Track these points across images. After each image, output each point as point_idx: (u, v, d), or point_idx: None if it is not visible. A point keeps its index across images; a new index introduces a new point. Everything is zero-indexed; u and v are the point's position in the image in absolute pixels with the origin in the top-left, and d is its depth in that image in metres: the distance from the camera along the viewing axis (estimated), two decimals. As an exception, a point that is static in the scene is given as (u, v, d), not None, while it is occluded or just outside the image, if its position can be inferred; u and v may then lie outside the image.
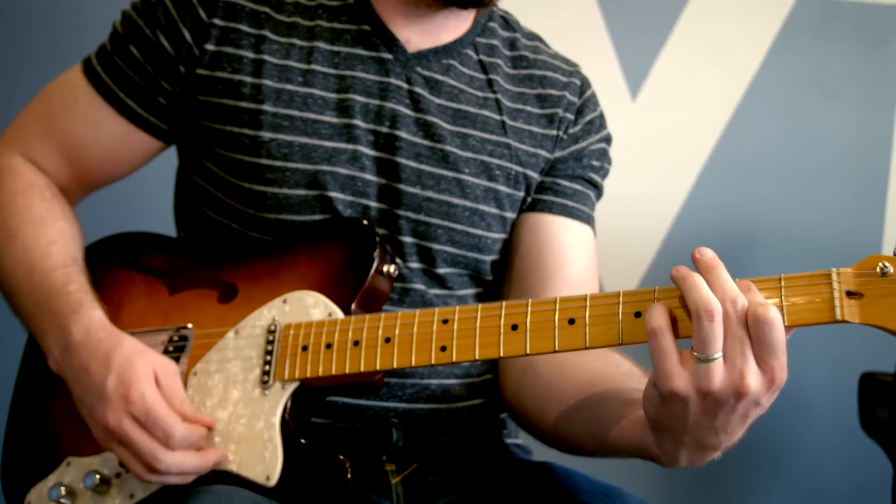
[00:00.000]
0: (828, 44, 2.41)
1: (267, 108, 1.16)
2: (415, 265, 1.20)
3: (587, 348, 0.93)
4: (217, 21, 1.18)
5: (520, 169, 1.24)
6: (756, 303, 0.84)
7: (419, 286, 1.20)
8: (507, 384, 1.24)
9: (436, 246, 1.20)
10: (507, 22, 1.33)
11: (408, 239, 1.19)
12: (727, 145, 2.40)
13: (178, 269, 1.20)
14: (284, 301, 1.09)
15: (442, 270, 1.21)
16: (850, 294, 0.86)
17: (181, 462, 1.02)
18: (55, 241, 1.17)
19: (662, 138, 2.38)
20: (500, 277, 1.29)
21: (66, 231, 1.20)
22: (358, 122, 1.17)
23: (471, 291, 1.26)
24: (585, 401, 1.08)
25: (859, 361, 2.07)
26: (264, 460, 1.03)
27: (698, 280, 0.85)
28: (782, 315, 0.85)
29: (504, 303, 0.98)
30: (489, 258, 1.24)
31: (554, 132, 1.27)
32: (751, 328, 0.83)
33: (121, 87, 1.22)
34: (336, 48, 1.20)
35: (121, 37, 1.22)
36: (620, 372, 1.10)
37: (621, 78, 2.35)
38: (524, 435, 1.35)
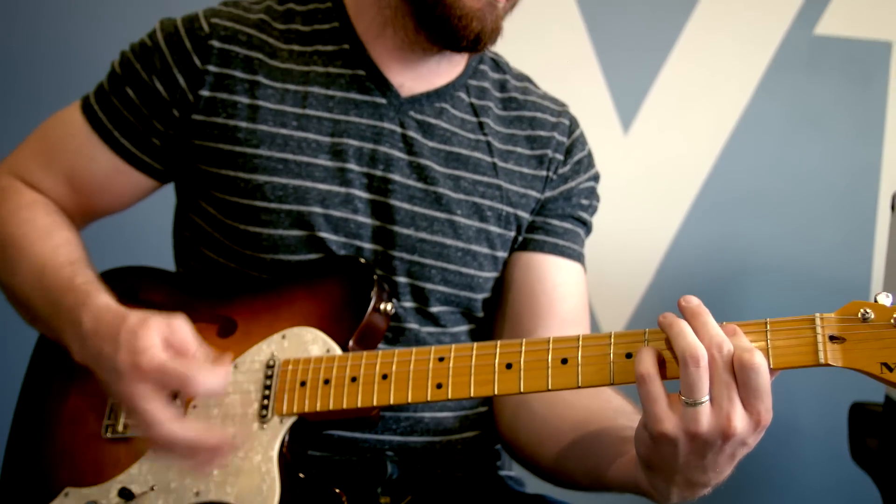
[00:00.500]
0: (815, 79, 2.43)
1: (262, 151, 1.18)
2: (408, 304, 1.22)
3: (579, 388, 0.95)
4: (211, 67, 1.20)
5: (510, 209, 1.26)
6: (742, 348, 0.86)
7: (413, 325, 1.22)
8: (502, 420, 1.26)
9: (429, 286, 1.22)
10: (498, 64, 1.35)
11: (402, 279, 1.21)
12: (718, 178, 2.41)
13: (177, 304, 1.20)
14: (283, 337, 1.11)
15: (435, 309, 1.23)
16: (832, 338, 0.89)
17: (183, 427, 0.99)
18: (61, 245, 1.19)
19: (654, 171, 2.39)
20: (492, 314, 1.31)
21: (70, 238, 1.22)
22: (352, 165, 1.19)
23: (463, 328, 1.28)
24: (579, 439, 1.11)
25: (849, 391, 2.07)
26: (262, 493, 1.04)
27: (684, 327, 0.88)
28: (767, 358, 0.88)
29: (499, 342, 1.00)
30: (481, 296, 1.26)
31: (544, 173, 1.29)
32: (737, 373, 0.86)
33: (116, 127, 1.24)
34: (331, 92, 1.21)
35: (118, 77, 1.24)
36: (612, 408, 1.12)
37: (613, 112, 2.36)
38: (518, 467, 1.36)
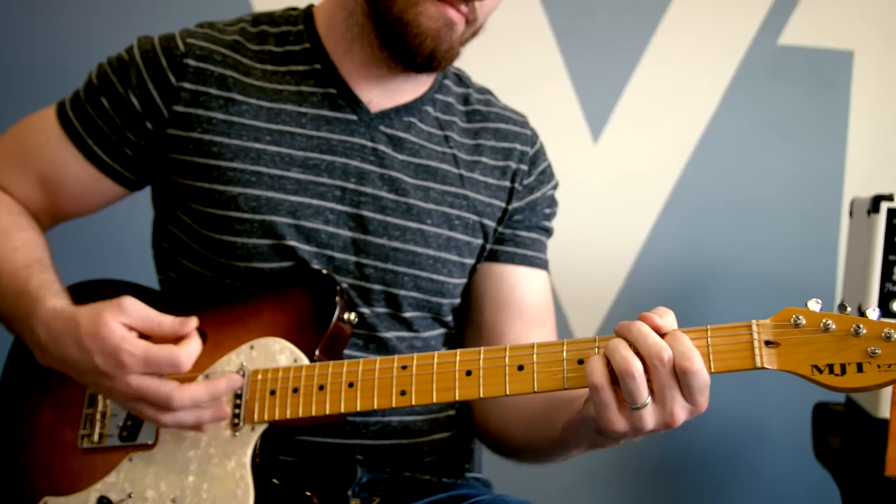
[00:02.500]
0: (780, 87, 2.45)
1: (236, 164, 1.21)
2: (382, 310, 1.25)
3: (535, 392, 0.99)
4: (186, 84, 1.23)
5: (476, 218, 1.30)
6: (682, 354, 0.91)
7: (384, 334, 1.25)
8: (474, 411, 1.32)
9: (402, 292, 1.25)
10: (460, 78, 1.39)
11: (376, 286, 1.24)
12: (686, 185, 2.43)
13: None
14: (252, 347, 1.13)
15: (408, 314, 1.27)
16: (768, 343, 0.93)
17: (193, 394, 1.04)
18: (19, 248, 1.20)
19: (623, 179, 2.41)
20: (461, 320, 1.35)
21: (31, 239, 1.23)
22: (324, 179, 1.22)
23: (434, 333, 1.31)
24: (538, 413, 1.18)
25: (814, 392, 2.10)
26: (237, 498, 1.07)
27: (619, 343, 0.94)
28: (708, 363, 0.93)
29: (459, 350, 1.04)
30: (449, 302, 1.30)
31: (508, 184, 1.33)
32: (679, 377, 0.91)
33: (90, 135, 1.26)
34: (303, 110, 1.25)
35: (94, 88, 1.27)
36: None
37: (583, 122, 2.38)
38: (486, 469, 1.40)
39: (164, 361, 1.02)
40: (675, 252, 2.44)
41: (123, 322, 1.03)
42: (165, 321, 1.05)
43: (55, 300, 1.10)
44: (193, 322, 1.06)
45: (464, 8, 1.18)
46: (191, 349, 1.04)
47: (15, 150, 1.30)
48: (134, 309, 1.04)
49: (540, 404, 1.18)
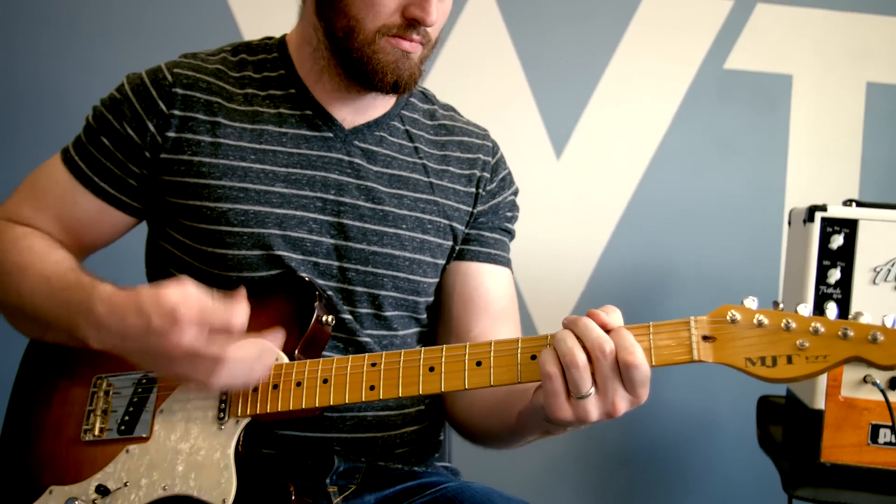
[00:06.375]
0: (726, 108, 2.47)
1: (225, 182, 1.22)
2: (365, 310, 1.26)
3: (492, 386, 1.01)
4: (176, 112, 1.24)
5: (447, 222, 1.32)
6: (624, 348, 0.92)
7: (363, 339, 1.26)
8: (446, 402, 1.34)
9: (383, 293, 1.27)
10: (426, 95, 1.41)
11: (359, 288, 1.26)
12: (641, 198, 2.45)
13: None
14: None
15: (388, 313, 1.28)
16: (705, 338, 0.94)
17: (241, 350, 1.02)
18: (61, 261, 1.20)
19: (584, 192, 2.42)
20: (434, 317, 1.37)
21: (67, 255, 1.23)
22: (306, 192, 1.24)
23: (411, 331, 1.33)
24: (497, 402, 1.20)
25: (758, 387, 2.13)
26: (220, 486, 1.08)
27: (565, 334, 0.95)
28: (650, 357, 0.94)
29: (423, 349, 1.05)
30: (424, 300, 1.32)
31: (473, 190, 1.35)
32: (621, 370, 0.92)
33: (95, 173, 1.27)
34: (283, 130, 1.26)
35: (94, 130, 1.28)
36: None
37: (547, 140, 2.39)
38: (455, 460, 1.42)
39: (217, 314, 0.99)
40: (632, 258, 2.46)
41: (181, 291, 1.01)
42: (219, 303, 1.01)
43: (110, 285, 1.09)
44: (242, 290, 1.03)
45: (416, 37, 1.20)
46: (243, 308, 1.01)
47: (30, 196, 1.31)
48: (192, 287, 1.01)
49: (499, 395, 1.20)
